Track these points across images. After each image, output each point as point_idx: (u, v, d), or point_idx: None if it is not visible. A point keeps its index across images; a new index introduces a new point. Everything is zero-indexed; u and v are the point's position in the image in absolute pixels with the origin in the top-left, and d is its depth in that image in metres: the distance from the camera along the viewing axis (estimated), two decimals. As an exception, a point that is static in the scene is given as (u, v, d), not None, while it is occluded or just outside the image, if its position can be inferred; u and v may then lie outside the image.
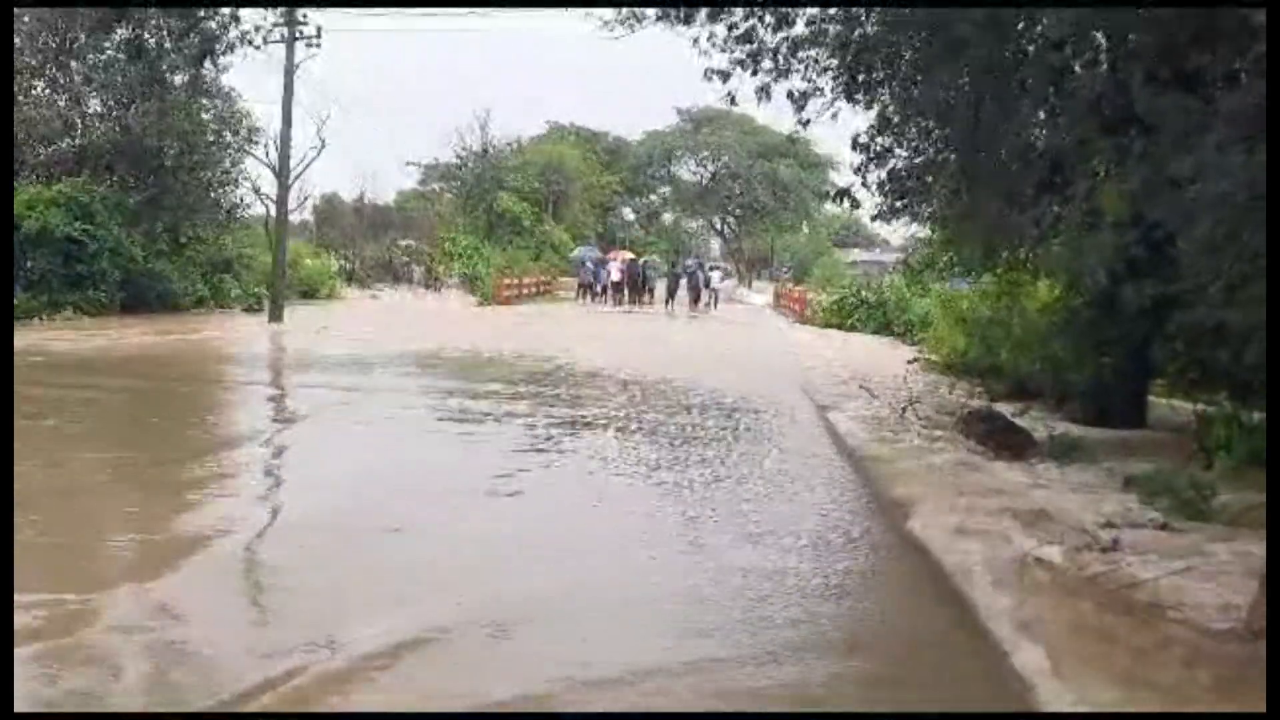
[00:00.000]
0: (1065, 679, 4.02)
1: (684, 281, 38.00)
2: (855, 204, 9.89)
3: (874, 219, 10.56)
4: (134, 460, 8.09)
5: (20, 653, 3.93)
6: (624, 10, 9.63)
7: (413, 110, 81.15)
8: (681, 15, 9.35)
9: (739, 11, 9.41)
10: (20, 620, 4.22)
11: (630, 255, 44.50)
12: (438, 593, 5.08)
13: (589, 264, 39.75)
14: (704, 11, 9.42)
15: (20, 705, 3.52)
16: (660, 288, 38.27)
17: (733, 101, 10.30)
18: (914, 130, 9.65)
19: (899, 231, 15.49)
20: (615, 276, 38.64)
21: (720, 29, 9.40)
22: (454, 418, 10.81)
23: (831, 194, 10.70)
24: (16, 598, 4.42)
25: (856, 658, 4.58)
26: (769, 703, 4.00)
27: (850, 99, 9.70)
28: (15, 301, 18.44)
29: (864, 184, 9.53)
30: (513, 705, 3.86)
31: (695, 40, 9.62)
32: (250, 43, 20.27)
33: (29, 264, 19.47)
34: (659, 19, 9.56)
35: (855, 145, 9.31)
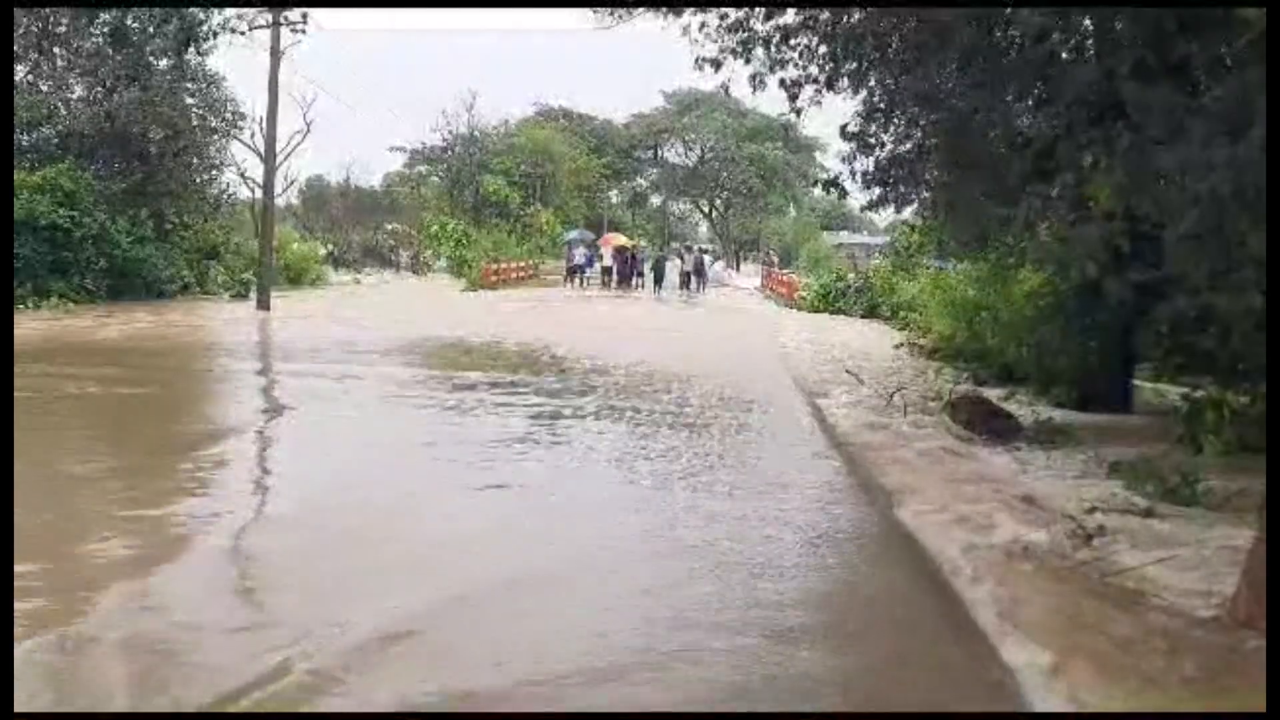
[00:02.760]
0: (1050, 668, 4.07)
1: (670, 266, 38.04)
2: (843, 193, 9.93)
3: (863, 209, 10.59)
4: (123, 452, 8.09)
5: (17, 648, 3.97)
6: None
7: (400, 94, 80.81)
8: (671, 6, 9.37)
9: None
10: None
11: (623, 239, 44.46)
12: (426, 584, 5.11)
13: (582, 248, 39.53)
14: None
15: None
16: (649, 273, 38.25)
17: (726, 91, 10.32)
18: (902, 118, 9.67)
19: (887, 215, 15.54)
20: (607, 261, 38.61)
21: (711, 18, 9.41)
22: (444, 407, 10.82)
23: (820, 183, 10.74)
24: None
25: (848, 645, 4.64)
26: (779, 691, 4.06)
27: (833, 88, 9.71)
28: (0, 289, 18.37)
29: (851, 173, 9.57)
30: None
31: (685, 29, 9.63)
32: (234, 30, 20.11)
33: (14, 251, 19.34)
34: (648, 8, 9.56)
35: (844, 133, 9.32)
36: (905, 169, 9.77)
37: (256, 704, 3.74)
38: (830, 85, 9.42)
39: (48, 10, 21.88)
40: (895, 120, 9.62)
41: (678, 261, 39.50)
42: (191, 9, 19.74)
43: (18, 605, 4.41)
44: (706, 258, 41.25)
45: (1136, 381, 11.29)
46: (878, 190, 9.78)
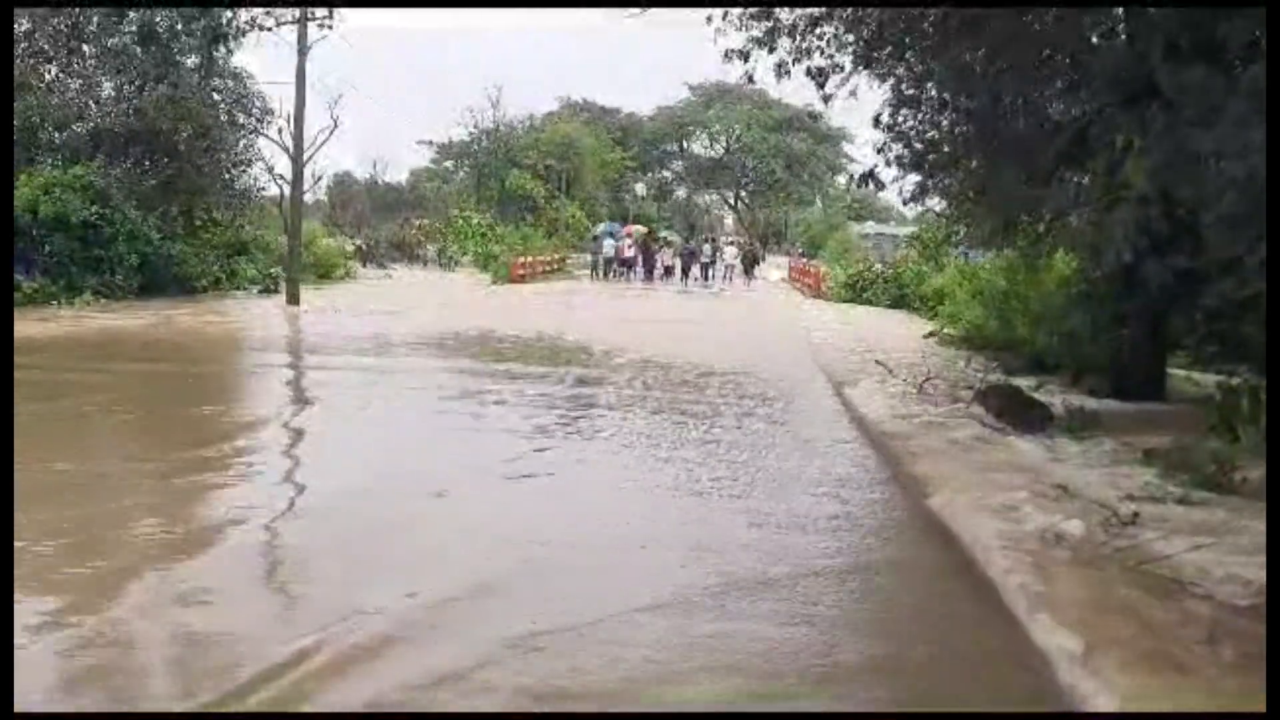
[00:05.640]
0: (1088, 657, 4.03)
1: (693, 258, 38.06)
2: (880, 185, 9.85)
3: (906, 203, 10.50)
4: (158, 443, 8.17)
5: (51, 637, 4.07)
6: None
7: (425, 91, 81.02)
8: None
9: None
10: (48, 603, 4.39)
11: (643, 229, 44.37)
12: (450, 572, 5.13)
13: (609, 241, 39.34)
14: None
15: (49, 687, 3.64)
16: (675, 265, 38.16)
17: (750, 80, 10.26)
18: (933, 103, 9.58)
19: (918, 205, 15.43)
20: (629, 253, 38.49)
21: (735, 8, 9.36)
22: (473, 400, 10.85)
23: (856, 177, 10.66)
24: (46, 580, 4.54)
25: (885, 638, 4.63)
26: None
27: (869, 66, 9.60)
28: (35, 286, 18.60)
29: (887, 162, 9.49)
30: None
31: (709, 18, 9.58)
32: (262, 27, 20.24)
33: (46, 248, 19.55)
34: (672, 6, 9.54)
35: (877, 123, 9.25)
36: (937, 154, 9.67)
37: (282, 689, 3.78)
38: (868, 65, 9.30)
39: (78, 9, 22.08)
40: (925, 108, 9.54)
41: (706, 251, 39.52)
42: (218, 8, 19.94)
43: (57, 588, 4.52)
44: (730, 249, 41.10)
45: (1170, 369, 11.16)
46: (915, 178, 9.69)
